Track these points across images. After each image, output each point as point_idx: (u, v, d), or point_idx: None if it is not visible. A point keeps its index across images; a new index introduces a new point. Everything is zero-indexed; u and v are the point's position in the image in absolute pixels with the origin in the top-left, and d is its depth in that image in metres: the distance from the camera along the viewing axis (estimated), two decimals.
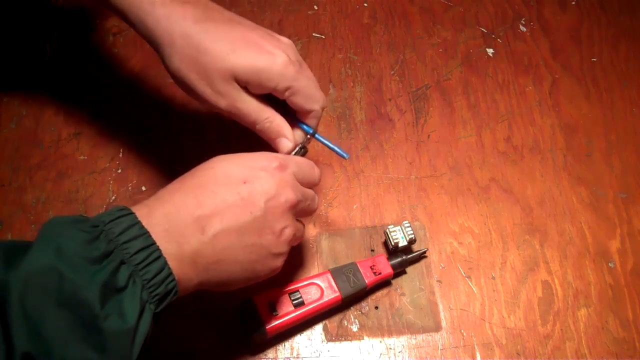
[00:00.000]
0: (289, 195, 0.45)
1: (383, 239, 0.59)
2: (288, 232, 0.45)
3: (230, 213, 0.42)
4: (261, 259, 0.44)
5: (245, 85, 0.49)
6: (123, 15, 0.50)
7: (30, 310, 0.34)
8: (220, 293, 0.47)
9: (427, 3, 0.74)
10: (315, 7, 0.73)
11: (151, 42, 0.49)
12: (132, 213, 0.39)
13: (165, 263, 0.39)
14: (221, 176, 0.44)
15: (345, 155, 0.54)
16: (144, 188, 0.61)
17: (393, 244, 0.56)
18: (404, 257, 0.57)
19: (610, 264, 0.60)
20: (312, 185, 0.50)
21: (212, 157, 0.58)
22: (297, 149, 0.53)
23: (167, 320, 0.53)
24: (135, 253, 0.38)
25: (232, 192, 0.43)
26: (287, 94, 0.50)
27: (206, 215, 0.41)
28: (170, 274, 0.39)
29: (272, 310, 0.52)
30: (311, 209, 0.50)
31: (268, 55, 0.48)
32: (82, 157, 0.63)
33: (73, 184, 0.61)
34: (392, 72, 0.70)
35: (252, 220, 0.43)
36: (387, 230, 0.57)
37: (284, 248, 0.45)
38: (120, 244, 0.38)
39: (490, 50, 0.72)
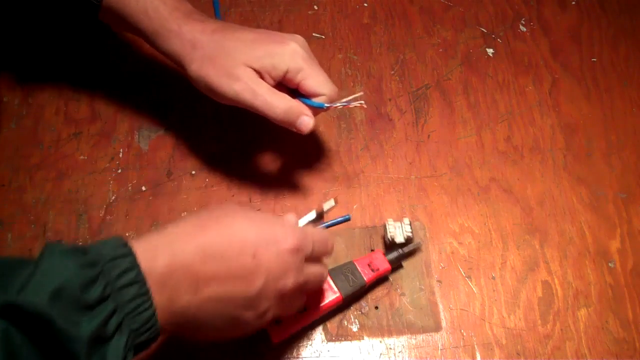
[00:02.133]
0: (288, 282, 0.44)
1: (381, 234, 0.60)
2: (269, 315, 0.44)
3: (228, 284, 0.41)
4: (235, 329, 0.44)
5: (259, 73, 0.52)
6: (148, 37, 0.55)
7: (15, 349, 0.32)
8: None
9: (427, 3, 0.74)
10: (315, 7, 0.73)
11: (176, 56, 0.54)
12: (132, 254, 0.38)
13: (153, 315, 0.38)
14: (236, 241, 0.42)
15: (360, 102, 0.55)
16: (144, 188, 0.61)
17: (389, 238, 0.57)
18: (400, 252, 0.57)
19: (610, 264, 0.60)
20: (324, 256, 0.50)
21: (212, 157, 0.59)
22: (315, 214, 0.58)
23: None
24: (129, 301, 0.37)
25: (238, 264, 0.42)
26: (299, 77, 0.53)
27: (204, 276, 0.41)
28: (156, 323, 0.39)
29: (275, 319, 0.52)
30: (315, 287, 0.51)
31: (279, 43, 0.53)
32: (82, 157, 0.63)
33: (73, 184, 0.61)
34: (392, 72, 0.70)
35: (243, 297, 0.42)
36: (387, 223, 0.58)
37: (261, 324, 0.45)
38: (117, 289, 0.37)
39: (490, 50, 0.72)
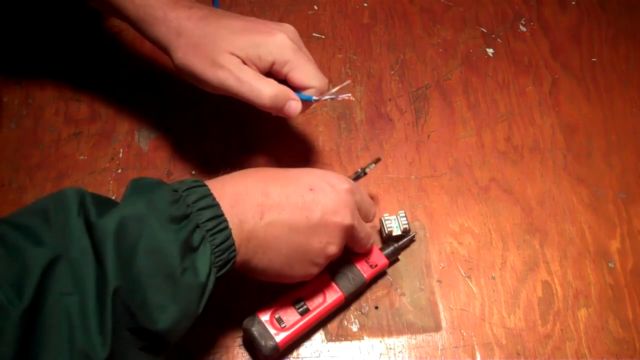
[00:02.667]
0: (346, 216, 0.48)
1: (378, 228, 0.60)
2: (332, 250, 0.48)
3: (289, 210, 0.46)
4: (301, 261, 0.48)
5: (245, 60, 0.51)
6: (134, 23, 0.53)
7: (122, 250, 0.37)
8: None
9: (427, 3, 0.74)
10: (315, 7, 0.73)
11: (161, 43, 0.53)
12: (205, 185, 0.44)
13: (230, 234, 0.43)
14: (292, 177, 0.48)
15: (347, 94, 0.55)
16: None
17: (387, 232, 0.57)
18: (395, 245, 0.57)
19: (610, 264, 0.60)
20: (366, 220, 0.53)
21: (212, 157, 0.59)
22: (359, 171, 0.58)
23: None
24: (207, 220, 0.42)
25: (297, 193, 0.47)
26: (286, 69, 0.52)
27: (268, 204, 0.45)
28: (233, 244, 0.43)
29: (280, 322, 0.52)
30: (363, 244, 0.53)
31: (267, 33, 0.52)
32: (82, 157, 0.63)
33: (73, 184, 0.61)
34: (392, 72, 0.70)
35: (305, 224, 0.46)
36: (382, 218, 0.58)
37: (322, 260, 0.49)
38: (196, 210, 0.42)
39: (490, 50, 0.72)
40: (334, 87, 0.68)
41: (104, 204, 0.39)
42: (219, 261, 0.42)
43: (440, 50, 0.71)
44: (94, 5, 0.57)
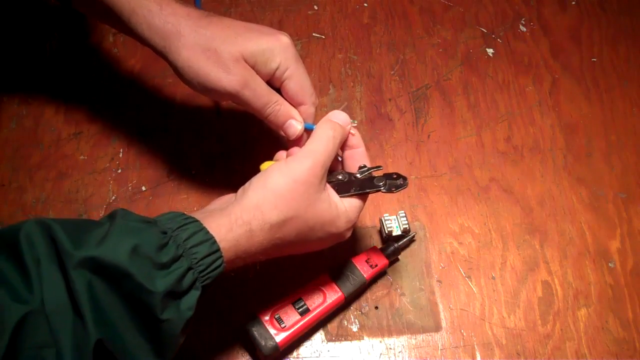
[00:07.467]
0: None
1: (378, 228, 0.60)
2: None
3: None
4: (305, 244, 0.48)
5: (253, 67, 0.49)
6: (126, 20, 0.50)
7: (99, 296, 0.36)
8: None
9: (427, 3, 0.74)
10: (315, 7, 0.73)
11: (157, 42, 0.50)
12: (196, 220, 0.41)
13: (223, 263, 0.41)
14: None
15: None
16: (144, 188, 0.61)
17: (387, 232, 0.57)
18: (395, 245, 0.57)
19: (610, 264, 0.60)
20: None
21: (212, 157, 0.58)
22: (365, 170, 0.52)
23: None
24: (202, 258, 0.40)
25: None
26: (285, 75, 0.50)
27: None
28: (222, 267, 0.42)
29: (280, 322, 0.52)
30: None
31: (272, 36, 0.50)
32: (82, 157, 0.63)
33: (73, 184, 0.61)
34: (392, 72, 0.70)
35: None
36: (382, 218, 0.58)
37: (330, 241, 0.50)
38: (188, 249, 0.40)
39: (490, 50, 0.72)
40: (334, 87, 0.68)
41: (79, 232, 0.37)
42: (205, 285, 0.41)
43: (440, 50, 0.71)
44: (79, 7, 0.55)
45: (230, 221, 0.43)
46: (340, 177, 0.49)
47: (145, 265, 0.37)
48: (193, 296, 0.39)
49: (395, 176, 0.50)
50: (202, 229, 0.41)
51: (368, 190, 0.49)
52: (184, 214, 0.42)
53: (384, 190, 0.49)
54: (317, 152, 0.46)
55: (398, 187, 0.50)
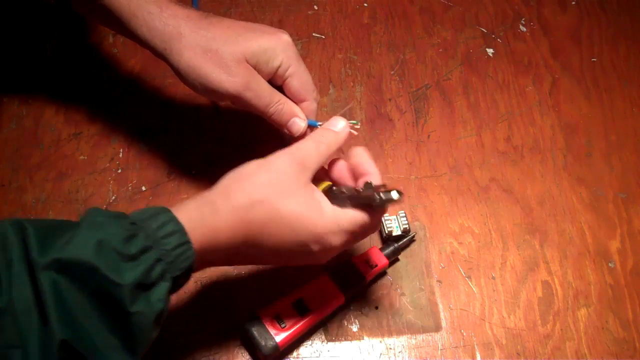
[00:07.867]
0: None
1: (378, 228, 0.60)
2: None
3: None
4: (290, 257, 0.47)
5: (255, 67, 0.50)
6: (126, 22, 0.50)
7: (66, 300, 0.35)
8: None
9: (427, 3, 0.74)
10: (315, 7, 0.73)
11: (158, 44, 0.50)
12: (168, 210, 0.41)
13: (193, 254, 0.41)
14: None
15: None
16: (144, 188, 0.61)
17: (387, 232, 0.57)
18: (395, 245, 0.57)
19: (610, 264, 0.60)
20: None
21: (212, 157, 0.58)
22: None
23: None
24: (172, 249, 0.39)
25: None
26: (287, 73, 0.51)
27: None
28: (192, 257, 0.41)
29: (280, 322, 0.52)
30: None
31: (272, 35, 0.50)
32: (82, 157, 0.63)
33: (73, 184, 0.61)
34: (392, 72, 0.70)
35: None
36: (382, 218, 0.58)
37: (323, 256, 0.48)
38: (159, 239, 0.39)
39: (490, 50, 0.72)
40: (334, 87, 0.68)
41: (49, 236, 0.37)
42: (177, 283, 0.41)
43: (440, 50, 0.71)
44: (79, 10, 0.55)
45: (197, 202, 0.43)
46: (344, 190, 0.48)
47: (112, 257, 0.37)
48: (163, 288, 0.39)
49: (391, 190, 0.47)
50: (173, 219, 0.40)
51: (360, 200, 0.47)
52: (162, 206, 0.41)
53: (376, 202, 0.47)
54: (297, 147, 0.47)
55: (388, 199, 0.46)
